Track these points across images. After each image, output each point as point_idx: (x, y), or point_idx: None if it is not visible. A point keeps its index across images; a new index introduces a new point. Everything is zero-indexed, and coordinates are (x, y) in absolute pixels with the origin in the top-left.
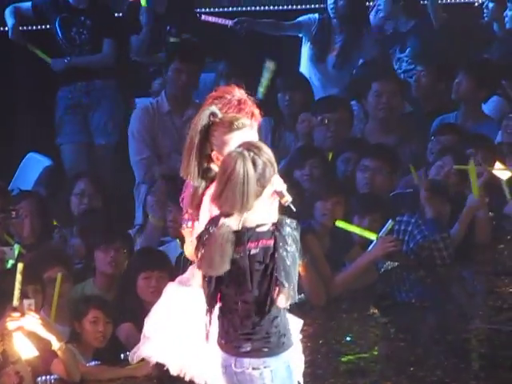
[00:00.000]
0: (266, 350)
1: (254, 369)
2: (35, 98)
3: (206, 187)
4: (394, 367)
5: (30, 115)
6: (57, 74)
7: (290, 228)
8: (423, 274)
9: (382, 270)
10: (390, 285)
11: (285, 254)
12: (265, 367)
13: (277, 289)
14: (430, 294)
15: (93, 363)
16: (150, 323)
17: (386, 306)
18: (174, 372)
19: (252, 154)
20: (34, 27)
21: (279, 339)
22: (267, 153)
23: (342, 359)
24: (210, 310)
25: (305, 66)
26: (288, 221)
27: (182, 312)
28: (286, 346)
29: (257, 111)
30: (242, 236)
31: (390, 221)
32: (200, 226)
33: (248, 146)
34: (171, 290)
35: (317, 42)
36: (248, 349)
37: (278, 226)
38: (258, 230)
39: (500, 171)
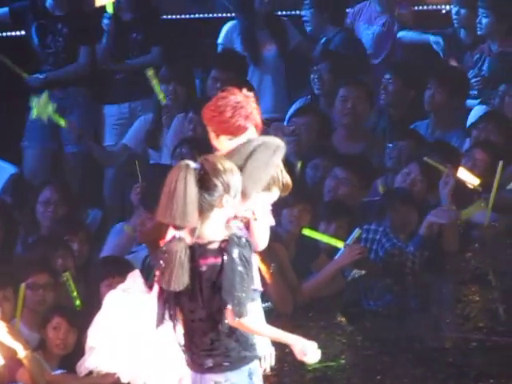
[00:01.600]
0: (226, 364)
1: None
2: (1, 103)
3: None
4: (360, 376)
5: None
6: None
7: (239, 246)
8: (391, 282)
9: (350, 278)
10: (358, 293)
11: (230, 273)
12: (225, 381)
13: (226, 308)
14: (397, 303)
15: (58, 371)
16: (94, 333)
17: (354, 314)
18: (124, 380)
19: (203, 171)
20: (8, 33)
21: (239, 353)
22: (225, 171)
23: (309, 368)
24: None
25: None
26: (237, 238)
27: (125, 319)
28: (248, 359)
29: (255, 115)
30: (193, 252)
31: (357, 229)
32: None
33: (203, 161)
34: (112, 297)
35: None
36: (210, 365)
37: (226, 244)
38: (209, 246)
39: (468, 178)
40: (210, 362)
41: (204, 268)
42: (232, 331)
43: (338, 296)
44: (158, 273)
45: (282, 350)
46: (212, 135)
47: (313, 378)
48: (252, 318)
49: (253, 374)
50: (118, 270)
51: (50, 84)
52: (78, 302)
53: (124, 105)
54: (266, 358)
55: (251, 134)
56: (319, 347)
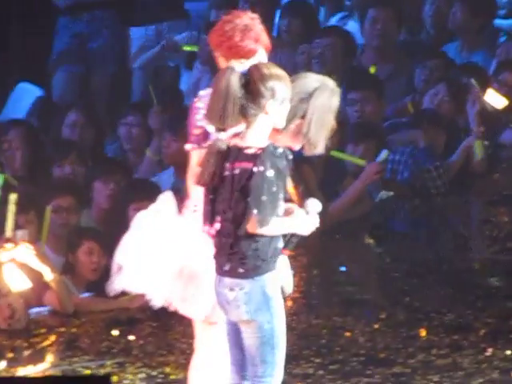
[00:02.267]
0: (241, 271)
1: (230, 289)
2: (29, 27)
3: None
4: (388, 297)
5: (22, 44)
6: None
7: (274, 155)
8: (418, 203)
9: (377, 199)
10: (385, 215)
11: (260, 179)
12: (240, 289)
13: (249, 214)
14: (424, 224)
15: (86, 295)
16: (122, 252)
17: (381, 236)
18: (155, 303)
19: (249, 75)
20: None
21: (255, 263)
22: (271, 77)
23: (337, 289)
24: (209, 226)
25: None
26: (273, 148)
27: (156, 239)
28: (263, 270)
29: (263, 36)
30: (231, 153)
31: (385, 150)
32: None
33: (252, 66)
34: (142, 217)
35: None
36: (227, 268)
37: (262, 151)
38: (245, 151)
39: (494, 99)
40: (227, 266)
41: (237, 171)
42: (252, 239)
43: (365, 218)
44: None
45: (310, 272)
46: (221, 60)
47: (340, 300)
48: (271, 230)
49: (266, 287)
50: (144, 193)
51: (77, 6)
52: None
53: (151, 27)
54: (285, 283)
55: (261, 56)
56: (347, 269)
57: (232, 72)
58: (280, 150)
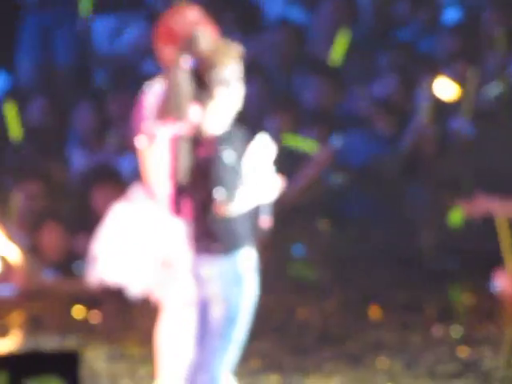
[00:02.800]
0: (214, 248)
1: (203, 267)
2: None
3: None
4: (341, 278)
5: None
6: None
7: (230, 138)
8: (370, 188)
9: (330, 184)
10: (337, 199)
11: (220, 163)
12: (214, 264)
13: (215, 197)
14: (377, 208)
15: (49, 274)
16: (99, 242)
17: (333, 220)
18: (133, 291)
19: (196, 66)
20: None
21: (229, 240)
22: (215, 65)
23: (291, 271)
24: (178, 212)
25: None
26: (233, 132)
27: (133, 229)
28: (236, 247)
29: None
30: (194, 142)
31: (337, 135)
32: None
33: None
34: (117, 209)
35: None
36: (201, 246)
37: (221, 136)
38: (206, 138)
39: (444, 87)
40: (201, 244)
41: (200, 157)
42: (223, 219)
43: (318, 203)
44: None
45: (264, 255)
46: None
47: (295, 285)
48: (238, 207)
49: (238, 265)
50: (108, 175)
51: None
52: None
53: (112, 16)
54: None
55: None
56: (301, 252)
57: (179, 68)
58: (236, 132)
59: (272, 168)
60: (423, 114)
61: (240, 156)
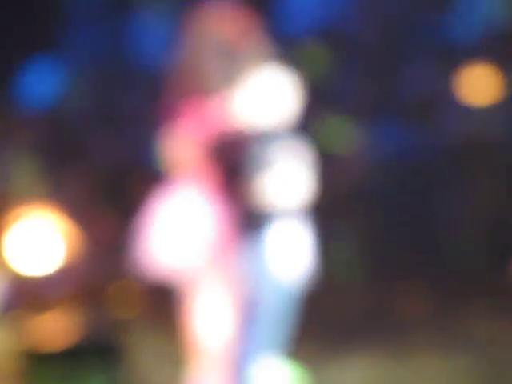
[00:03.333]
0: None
1: (243, 251)
2: None
3: None
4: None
5: None
6: None
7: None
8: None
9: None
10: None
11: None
12: (250, 249)
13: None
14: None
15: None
16: (147, 232)
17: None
18: (184, 276)
19: None
20: None
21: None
22: None
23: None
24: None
25: None
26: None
27: (174, 216)
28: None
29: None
30: None
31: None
32: None
33: None
34: (158, 203)
35: None
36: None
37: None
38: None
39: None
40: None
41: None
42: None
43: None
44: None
45: None
46: None
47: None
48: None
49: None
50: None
51: None
52: None
53: None
54: None
55: None
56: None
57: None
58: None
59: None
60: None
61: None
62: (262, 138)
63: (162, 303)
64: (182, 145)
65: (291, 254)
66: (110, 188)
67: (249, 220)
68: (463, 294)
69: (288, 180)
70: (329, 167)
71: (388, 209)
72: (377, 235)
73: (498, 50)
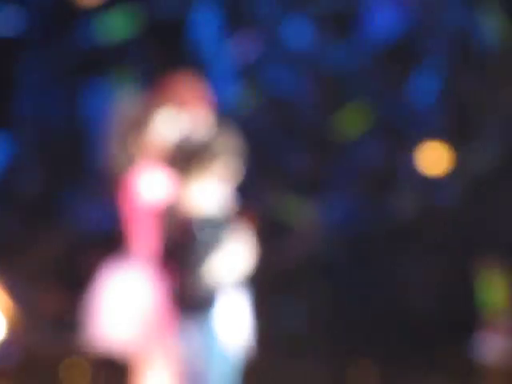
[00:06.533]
0: (192, 310)
1: (184, 325)
2: None
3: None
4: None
5: None
6: None
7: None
8: (361, 253)
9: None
10: (328, 265)
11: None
12: (192, 325)
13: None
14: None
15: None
16: (89, 304)
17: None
18: (126, 353)
19: None
20: None
21: (204, 301)
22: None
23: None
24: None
25: None
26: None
27: (120, 292)
28: (210, 307)
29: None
30: None
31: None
32: None
33: None
34: (105, 270)
35: None
36: (182, 308)
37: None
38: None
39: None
40: (183, 306)
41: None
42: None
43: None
44: None
45: None
46: None
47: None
48: (210, 277)
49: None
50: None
51: None
52: None
53: None
54: None
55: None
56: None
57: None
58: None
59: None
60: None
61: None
62: (206, 218)
63: (113, 378)
64: (124, 217)
65: (234, 326)
66: (60, 262)
67: (193, 295)
68: (415, 369)
69: (231, 257)
70: (279, 240)
71: (339, 282)
72: (327, 308)
73: (448, 126)
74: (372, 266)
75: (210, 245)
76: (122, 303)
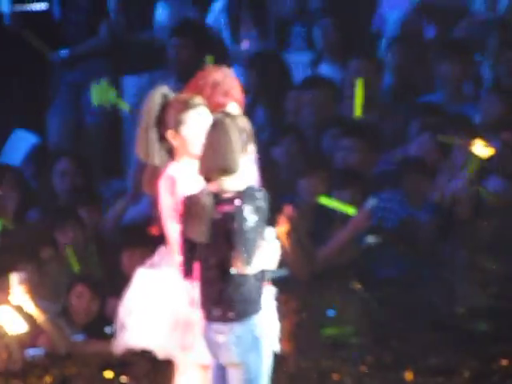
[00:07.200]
0: (231, 315)
1: (220, 334)
2: (26, 75)
3: (167, 165)
4: (375, 341)
5: (17, 93)
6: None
7: (254, 197)
8: (405, 249)
9: (364, 245)
10: (372, 261)
11: (243, 221)
12: (230, 333)
13: (235, 254)
14: (411, 270)
15: (80, 337)
16: (127, 312)
17: (368, 282)
18: (161, 356)
19: (230, 119)
20: (31, 6)
21: (244, 306)
22: (243, 120)
23: (325, 332)
24: (189, 275)
25: None
26: (251, 190)
27: (160, 296)
28: (252, 312)
29: (235, 91)
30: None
31: (372, 197)
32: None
33: (225, 114)
34: (142, 275)
35: None
36: (216, 314)
37: (243, 192)
38: (224, 195)
39: (482, 149)
40: (216, 312)
41: (219, 216)
42: (240, 283)
43: (352, 264)
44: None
45: (298, 315)
46: None
47: (328, 344)
48: (255, 268)
49: (254, 329)
50: (138, 239)
51: (72, 58)
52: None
53: (144, 75)
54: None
55: (232, 108)
56: (334, 313)
57: (231, 121)
58: (259, 191)
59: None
60: (460, 175)
61: (260, 214)
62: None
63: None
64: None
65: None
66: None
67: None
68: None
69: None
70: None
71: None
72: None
73: None
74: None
75: (254, 227)
76: (154, 307)
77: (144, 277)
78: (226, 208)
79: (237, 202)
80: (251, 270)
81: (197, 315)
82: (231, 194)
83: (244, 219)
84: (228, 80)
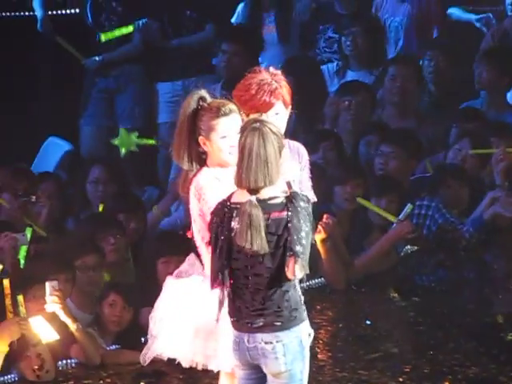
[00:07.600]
0: (278, 324)
1: (266, 343)
2: (57, 82)
3: (198, 170)
4: (413, 351)
5: (51, 99)
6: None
7: (303, 201)
8: (443, 257)
9: (402, 253)
10: (410, 268)
11: (299, 225)
12: (277, 341)
13: (291, 260)
14: (450, 278)
15: (113, 347)
16: (155, 321)
17: (406, 290)
18: (185, 365)
19: (267, 128)
20: (63, 12)
21: (291, 313)
22: (275, 125)
23: (362, 343)
24: (221, 287)
25: None
26: (301, 194)
27: (185, 305)
28: (298, 320)
29: (281, 91)
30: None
31: (408, 204)
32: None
33: (263, 123)
34: (170, 284)
35: None
36: (260, 324)
37: (291, 198)
38: (270, 202)
39: None
40: (260, 322)
41: (270, 223)
42: (286, 290)
43: (390, 272)
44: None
45: (335, 325)
46: (244, 116)
47: (365, 353)
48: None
49: (302, 335)
50: (173, 247)
51: (105, 64)
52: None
53: (178, 82)
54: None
55: (279, 109)
56: (372, 323)
57: (266, 133)
58: (306, 196)
59: None
60: (500, 182)
61: (311, 218)
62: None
63: None
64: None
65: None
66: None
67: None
68: None
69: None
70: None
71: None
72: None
73: None
74: None
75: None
76: (182, 316)
77: (172, 286)
78: (276, 214)
79: (289, 207)
80: (303, 275)
81: (222, 324)
82: (279, 199)
83: (300, 224)
84: (276, 79)
